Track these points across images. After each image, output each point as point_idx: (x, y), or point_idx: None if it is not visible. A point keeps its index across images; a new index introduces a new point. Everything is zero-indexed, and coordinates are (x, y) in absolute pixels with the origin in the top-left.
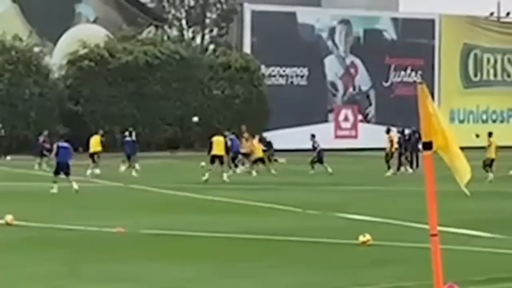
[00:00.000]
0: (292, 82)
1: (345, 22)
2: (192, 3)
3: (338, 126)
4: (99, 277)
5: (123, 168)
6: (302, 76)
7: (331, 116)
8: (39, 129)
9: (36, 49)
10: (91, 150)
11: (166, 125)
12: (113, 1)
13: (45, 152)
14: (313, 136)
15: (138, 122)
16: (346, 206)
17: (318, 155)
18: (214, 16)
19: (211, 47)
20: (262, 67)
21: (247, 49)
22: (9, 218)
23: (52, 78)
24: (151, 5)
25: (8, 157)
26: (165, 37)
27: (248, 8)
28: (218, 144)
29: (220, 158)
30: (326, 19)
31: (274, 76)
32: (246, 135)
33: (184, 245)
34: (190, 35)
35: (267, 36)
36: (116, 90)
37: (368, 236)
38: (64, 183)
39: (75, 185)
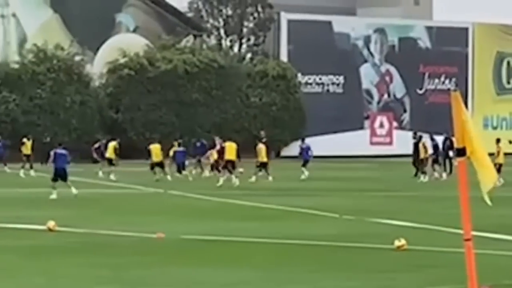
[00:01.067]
0: (328, 90)
1: (380, 30)
2: (230, 13)
3: (373, 133)
4: (139, 282)
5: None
6: (338, 84)
7: (366, 123)
8: (80, 137)
9: (77, 58)
10: (107, 155)
11: (204, 132)
12: (152, 11)
13: (98, 159)
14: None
15: (177, 130)
16: (381, 211)
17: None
18: (251, 25)
19: (249, 55)
20: (299, 75)
21: (284, 57)
22: (51, 224)
23: (93, 87)
24: (190, 15)
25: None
26: (204, 46)
27: (284, 17)
28: (231, 150)
29: (232, 163)
30: (362, 28)
31: (311, 84)
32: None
33: (224, 251)
34: (228, 44)
35: (304, 44)
36: (156, 98)
37: (403, 241)
38: (99, 189)
39: (74, 190)
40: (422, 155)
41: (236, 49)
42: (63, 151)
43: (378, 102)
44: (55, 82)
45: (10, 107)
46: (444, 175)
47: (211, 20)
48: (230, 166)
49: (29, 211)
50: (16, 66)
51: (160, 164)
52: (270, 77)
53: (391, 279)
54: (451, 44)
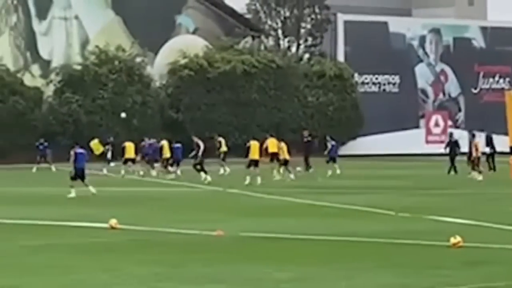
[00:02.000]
0: (384, 90)
1: (435, 31)
2: (287, 14)
3: (429, 132)
4: (198, 278)
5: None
6: (394, 84)
7: (422, 122)
8: (141, 137)
9: (138, 59)
10: (127, 156)
11: (262, 132)
12: (212, 13)
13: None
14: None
15: (235, 129)
16: (437, 209)
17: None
18: (308, 26)
19: (306, 56)
20: (355, 75)
21: (340, 57)
22: (113, 222)
23: (154, 87)
24: (248, 16)
25: (112, 164)
26: (262, 47)
27: (341, 18)
28: (255, 149)
29: (256, 162)
30: (417, 28)
31: (367, 83)
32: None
33: (282, 248)
34: (286, 44)
35: (360, 45)
36: (215, 98)
37: (459, 238)
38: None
39: (93, 189)
40: (474, 154)
41: (293, 49)
42: (82, 151)
43: (434, 101)
44: (117, 83)
45: (73, 107)
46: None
47: (269, 22)
48: (253, 165)
49: (91, 209)
50: (79, 67)
51: (133, 160)
52: (327, 77)
53: (446, 276)
54: (505, 44)
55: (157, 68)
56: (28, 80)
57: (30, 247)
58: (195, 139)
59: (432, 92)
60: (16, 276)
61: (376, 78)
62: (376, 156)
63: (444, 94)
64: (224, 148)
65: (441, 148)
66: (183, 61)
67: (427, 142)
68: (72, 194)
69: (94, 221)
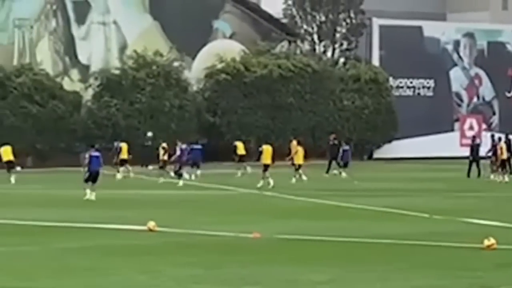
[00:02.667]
0: (419, 93)
1: (470, 35)
2: (323, 19)
3: (463, 135)
4: (234, 280)
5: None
6: (428, 87)
7: (456, 126)
8: (178, 140)
9: (176, 64)
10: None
11: (299, 135)
12: (248, 17)
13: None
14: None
15: (272, 132)
16: (471, 211)
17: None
18: (344, 30)
19: (342, 60)
20: (390, 79)
21: (375, 61)
22: (151, 224)
23: (191, 91)
24: (284, 21)
25: (150, 167)
26: (298, 51)
27: (376, 23)
28: (267, 153)
29: (267, 166)
30: (451, 33)
31: (402, 87)
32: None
33: (317, 250)
34: (322, 49)
35: (395, 49)
36: (251, 102)
37: (492, 240)
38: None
39: (93, 197)
40: (504, 156)
41: (329, 54)
42: (98, 154)
43: (468, 105)
44: (155, 87)
45: (111, 111)
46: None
47: (305, 26)
48: (265, 169)
49: (130, 212)
50: (117, 71)
51: (126, 161)
52: (362, 81)
53: (479, 278)
54: None
55: (194, 72)
56: (67, 85)
57: (69, 249)
58: (179, 144)
59: (466, 95)
60: (55, 278)
61: (411, 82)
62: (410, 159)
63: (478, 97)
64: (241, 152)
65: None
66: (220, 66)
67: (461, 145)
68: (87, 196)
69: (133, 224)
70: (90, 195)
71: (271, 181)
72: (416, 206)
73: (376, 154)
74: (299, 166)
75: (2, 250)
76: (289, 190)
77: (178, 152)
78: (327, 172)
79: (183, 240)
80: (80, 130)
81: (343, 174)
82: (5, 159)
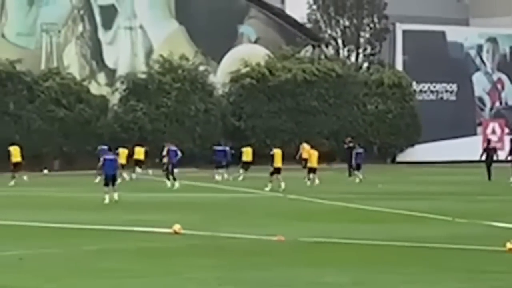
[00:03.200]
0: (442, 98)
1: (492, 40)
2: (347, 24)
3: (485, 139)
4: (258, 282)
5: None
6: (451, 92)
7: (479, 130)
8: (204, 143)
9: (201, 68)
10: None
11: (323, 139)
12: (273, 22)
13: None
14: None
15: (296, 136)
16: (494, 214)
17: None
18: (367, 35)
19: (365, 64)
20: (413, 83)
21: (399, 66)
22: (177, 227)
23: (216, 95)
24: (309, 26)
25: (175, 170)
26: (322, 56)
27: (400, 28)
28: (278, 157)
29: (279, 170)
30: (474, 38)
31: (425, 91)
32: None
33: (341, 252)
34: (346, 53)
35: (418, 53)
36: (276, 105)
37: None
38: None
39: (115, 196)
40: None
41: (353, 58)
42: (112, 157)
43: (491, 109)
44: (180, 91)
45: (137, 115)
46: None
47: (329, 31)
48: (276, 172)
49: (155, 215)
50: (143, 76)
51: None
52: (385, 85)
53: (501, 280)
54: None
55: (220, 76)
56: (94, 89)
57: (95, 251)
58: (167, 146)
59: (489, 100)
60: (80, 279)
61: (434, 87)
62: (433, 163)
63: (500, 102)
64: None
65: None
66: (245, 70)
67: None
68: (106, 200)
69: (159, 227)
70: (112, 196)
71: (283, 184)
72: (439, 210)
73: (399, 158)
74: (314, 169)
75: (30, 252)
76: (313, 193)
77: (164, 153)
78: (349, 175)
79: (208, 243)
80: (106, 133)
81: (358, 178)
82: (13, 160)
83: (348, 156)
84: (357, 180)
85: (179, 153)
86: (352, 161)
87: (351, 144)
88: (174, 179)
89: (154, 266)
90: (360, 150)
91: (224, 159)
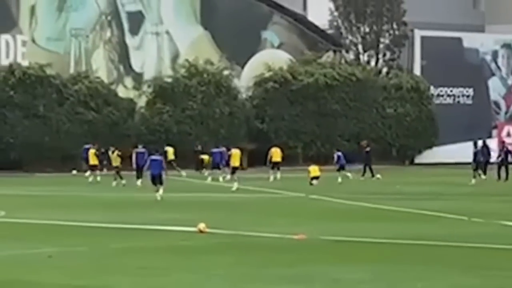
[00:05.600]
0: (458, 102)
1: (507, 46)
2: (367, 30)
3: (500, 141)
4: (281, 279)
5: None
6: (467, 96)
7: (494, 132)
8: (228, 145)
9: (226, 72)
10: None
11: (344, 141)
12: (295, 28)
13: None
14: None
15: (318, 138)
16: (508, 214)
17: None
18: (387, 41)
19: (385, 69)
20: (431, 87)
21: (417, 71)
22: (201, 226)
23: (240, 99)
24: (330, 32)
25: (206, 172)
26: (343, 61)
27: (418, 34)
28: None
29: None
30: (490, 44)
31: (442, 95)
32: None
33: (360, 250)
34: (366, 58)
35: (436, 59)
36: (298, 109)
37: None
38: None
39: (159, 196)
40: None
41: (373, 63)
42: (158, 157)
43: (506, 113)
44: (206, 95)
45: (164, 118)
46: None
47: (349, 37)
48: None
49: (179, 214)
50: (169, 80)
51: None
52: (404, 89)
53: (509, 277)
54: None
55: (244, 80)
56: (121, 92)
57: (122, 249)
58: (138, 148)
59: (504, 104)
60: (109, 276)
61: (451, 91)
62: (450, 164)
63: None
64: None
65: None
66: (268, 74)
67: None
68: (158, 197)
69: (184, 225)
70: (158, 193)
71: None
72: (455, 209)
73: (417, 160)
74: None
75: (59, 250)
76: (334, 194)
77: (133, 156)
78: (372, 176)
79: (232, 241)
80: (133, 135)
81: (349, 175)
82: None
83: (366, 158)
84: (340, 179)
85: (146, 156)
86: (369, 162)
87: (367, 148)
88: (138, 177)
89: (179, 264)
90: (339, 153)
91: (221, 161)
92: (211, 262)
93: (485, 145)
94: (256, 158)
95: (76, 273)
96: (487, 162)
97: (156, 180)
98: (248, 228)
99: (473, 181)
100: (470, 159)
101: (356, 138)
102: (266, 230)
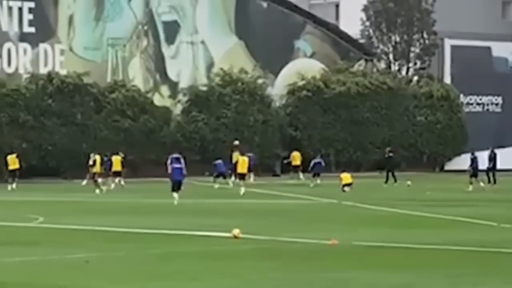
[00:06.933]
0: (487, 109)
1: None
2: (398, 39)
3: None
4: (314, 283)
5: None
6: (496, 104)
7: None
8: (262, 152)
9: (260, 81)
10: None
11: (375, 148)
12: (328, 38)
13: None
14: None
15: (350, 145)
16: None
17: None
18: (417, 50)
19: (415, 78)
20: (461, 95)
21: (447, 79)
22: (236, 231)
23: (274, 107)
24: (362, 41)
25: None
26: (374, 70)
27: (448, 43)
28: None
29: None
30: None
31: (472, 104)
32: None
33: (392, 256)
34: (397, 67)
35: (465, 68)
36: (330, 117)
37: None
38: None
39: (176, 201)
40: None
41: (403, 72)
42: (180, 165)
43: None
44: (240, 103)
45: (199, 125)
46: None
47: (381, 46)
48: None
49: (216, 220)
50: (204, 88)
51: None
52: (434, 98)
53: None
54: None
55: (277, 89)
56: (157, 100)
57: (159, 255)
58: (93, 156)
59: None
60: (145, 281)
61: (480, 99)
62: (479, 171)
63: None
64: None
65: None
66: (301, 83)
67: None
68: (176, 202)
69: (219, 231)
70: (175, 198)
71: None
72: (484, 215)
73: (447, 166)
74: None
75: (97, 255)
76: (366, 200)
77: (91, 162)
78: (395, 181)
79: (266, 246)
80: (169, 143)
81: (313, 183)
82: (11, 167)
83: (388, 164)
84: (311, 185)
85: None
86: (391, 168)
87: (391, 154)
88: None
89: (214, 269)
90: (318, 160)
91: (225, 169)
92: (245, 267)
93: (493, 153)
94: (289, 165)
95: (112, 278)
96: (494, 170)
97: (176, 185)
98: (282, 234)
99: (470, 187)
100: (499, 166)
101: (387, 145)
102: (300, 235)
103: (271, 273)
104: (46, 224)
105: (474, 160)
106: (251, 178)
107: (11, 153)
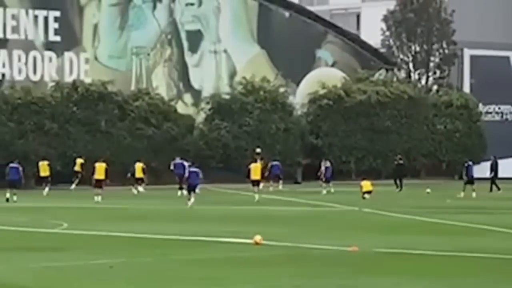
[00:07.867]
0: (506, 119)
1: None
2: (418, 49)
3: None
4: None
5: None
6: None
7: None
8: (284, 160)
9: (282, 90)
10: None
11: (395, 156)
12: (349, 47)
13: None
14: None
15: (370, 153)
16: None
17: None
18: (437, 60)
19: (435, 87)
20: (480, 105)
21: (466, 89)
22: (257, 238)
23: (296, 115)
24: (382, 51)
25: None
26: (395, 79)
27: (467, 53)
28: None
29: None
30: None
31: (490, 113)
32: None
33: (412, 263)
34: (416, 76)
35: (484, 77)
36: (351, 125)
37: None
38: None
39: (190, 203)
40: None
41: (423, 81)
42: (195, 170)
43: None
44: (262, 111)
45: (221, 133)
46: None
47: (401, 56)
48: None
49: (238, 226)
50: (227, 96)
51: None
52: (454, 106)
53: None
54: None
55: (299, 97)
56: (180, 108)
57: (184, 261)
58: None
59: None
60: (173, 287)
61: (499, 108)
62: (498, 179)
63: None
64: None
65: None
66: (322, 92)
67: None
68: (189, 205)
69: (241, 237)
70: (190, 201)
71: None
72: (504, 223)
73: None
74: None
75: (120, 261)
76: (386, 207)
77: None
78: (399, 187)
79: (288, 253)
80: (192, 150)
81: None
82: (42, 174)
83: (398, 172)
84: (324, 192)
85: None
86: (400, 175)
87: (401, 161)
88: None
89: (237, 275)
90: (328, 165)
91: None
92: (267, 274)
93: (495, 162)
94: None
95: (136, 284)
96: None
97: (192, 189)
98: (303, 240)
99: (462, 194)
100: None
101: (407, 153)
102: (321, 242)
103: (292, 279)
104: (70, 230)
105: (468, 168)
106: (280, 186)
107: (43, 159)
